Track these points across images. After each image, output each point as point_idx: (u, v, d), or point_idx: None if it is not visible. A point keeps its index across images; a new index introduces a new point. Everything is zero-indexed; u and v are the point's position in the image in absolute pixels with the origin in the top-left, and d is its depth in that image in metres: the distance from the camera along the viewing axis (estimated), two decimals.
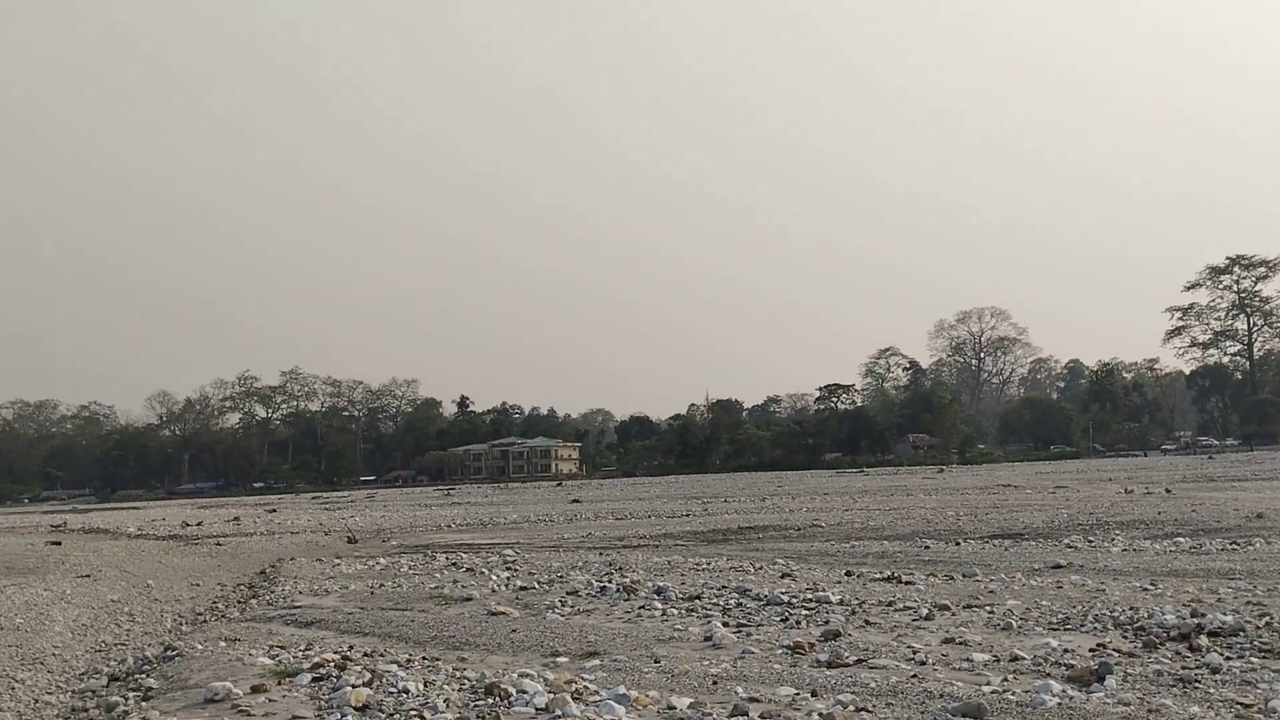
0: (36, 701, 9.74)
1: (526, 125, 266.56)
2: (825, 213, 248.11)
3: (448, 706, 7.78)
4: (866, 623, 11.31)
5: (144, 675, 10.24)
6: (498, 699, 8.00)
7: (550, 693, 8.06)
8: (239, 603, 16.77)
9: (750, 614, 12.29)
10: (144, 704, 8.65)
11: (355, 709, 7.79)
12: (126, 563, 26.08)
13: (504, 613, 12.96)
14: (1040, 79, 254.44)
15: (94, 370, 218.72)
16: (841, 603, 12.81)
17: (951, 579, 15.24)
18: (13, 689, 10.25)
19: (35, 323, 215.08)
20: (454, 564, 20.32)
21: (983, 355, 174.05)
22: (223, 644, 11.37)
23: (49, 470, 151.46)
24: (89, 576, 22.08)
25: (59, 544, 35.73)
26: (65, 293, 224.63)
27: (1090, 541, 20.74)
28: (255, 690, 8.52)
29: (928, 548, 20.62)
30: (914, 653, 9.43)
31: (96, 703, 9.36)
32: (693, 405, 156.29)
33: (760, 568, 17.75)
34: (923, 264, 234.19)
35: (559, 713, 7.51)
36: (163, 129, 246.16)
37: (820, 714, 7.33)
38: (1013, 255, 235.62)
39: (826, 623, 11.21)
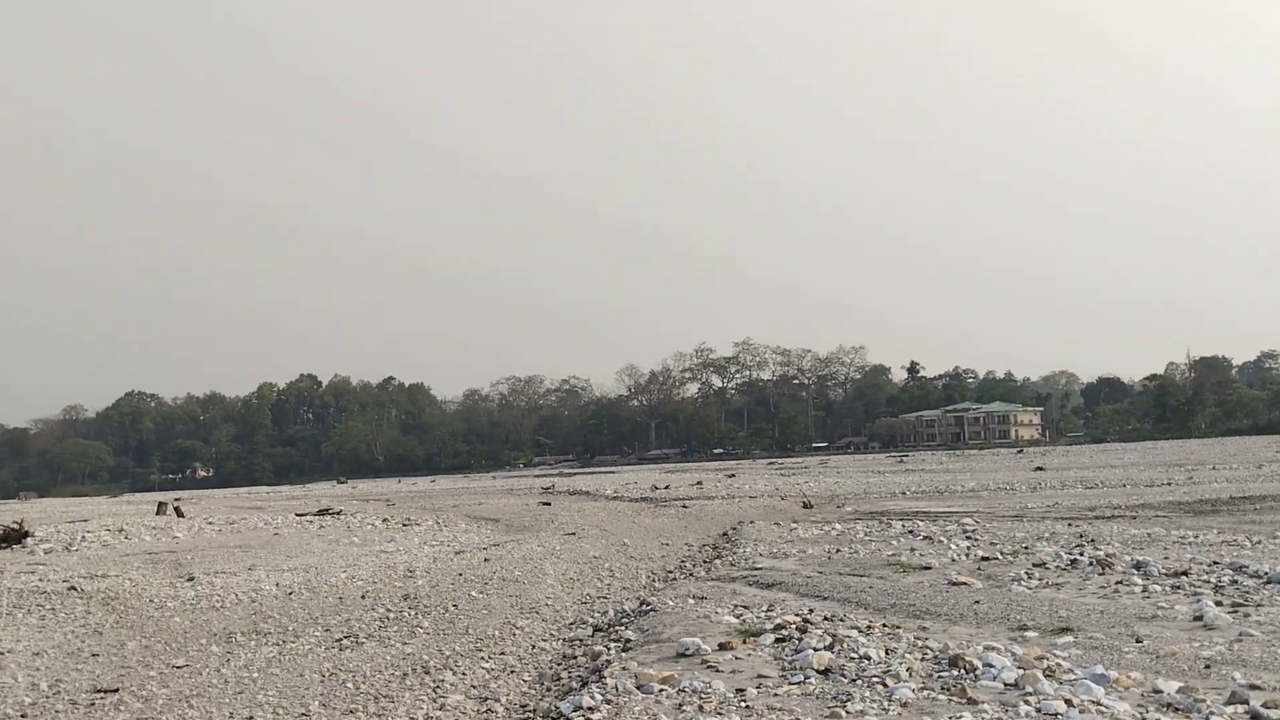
0: (534, 647, 10.77)
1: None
2: None
3: (910, 675, 7.63)
4: None
5: (623, 627, 11.02)
6: (963, 671, 7.73)
7: (1019, 668, 7.66)
8: (704, 562, 17.60)
9: (1248, 593, 10.97)
10: (623, 654, 9.29)
11: (818, 672, 7.87)
12: (605, 522, 28.29)
13: (965, 583, 12.55)
14: None
15: (568, 349, 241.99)
16: None
17: None
18: (514, 634, 11.42)
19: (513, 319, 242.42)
20: (910, 531, 20.02)
21: None
22: (691, 601, 11.97)
23: (538, 438, 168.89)
24: (574, 534, 24.19)
25: (548, 504, 39.60)
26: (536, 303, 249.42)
27: None
28: (722, 647, 8.87)
29: None
30: None
31: (583, 651, 10.19)
32: (1171, 364, 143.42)
33: (1259, 542, 15.83)
34: None
35: (1030, 689, 7.12)
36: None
37: None
38: None
39: None
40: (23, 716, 8.37)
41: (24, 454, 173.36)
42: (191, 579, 16.68)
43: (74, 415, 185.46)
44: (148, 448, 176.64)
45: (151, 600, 14.40)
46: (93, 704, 8.71)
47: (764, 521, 25.49)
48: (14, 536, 23.45)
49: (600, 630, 11.36)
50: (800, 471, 69.64)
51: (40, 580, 16.63)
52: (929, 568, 14.26)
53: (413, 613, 12.87)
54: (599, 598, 14.11)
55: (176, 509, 37.56)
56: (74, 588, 15.53)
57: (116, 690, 9.13)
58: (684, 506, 34.37)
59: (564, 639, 11.14)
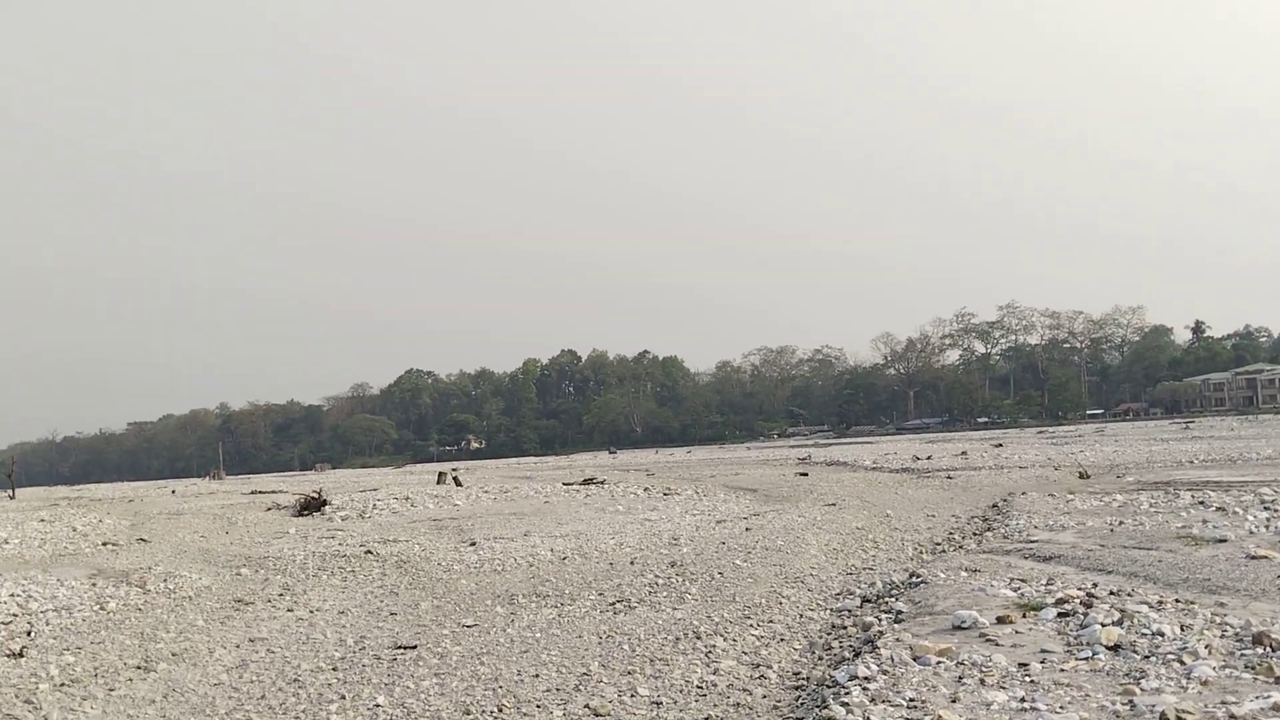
0: (801, 616, 10.79)
1: None
2: None
3: (1210, 653, 7.17)
4: None
5: (892, 599, 10.86)
6: (1269, 649, 7.18)
7: None
8: (974, 535, 17.07)
9: None
10: (895, 626, 9.17)
11: (1106, 648, 7.51)
12: (865, 493, 27.92)
13: (1266, 556, 11.61)
14: None
15: (825, 319, 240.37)
16: None
17: None
18: (780, 603, 11.48)
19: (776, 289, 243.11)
20: (1201, 502, 18.68)
21: None
22: (963, 574, 11.65)
23: (791, 408, 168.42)
24: (834, 505, 24.00)
25: (806, 475, 39.39)
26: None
27: None
28: (1000, 621, 8.60)
29: None
30: None
31: (853, 621, 10.13)
32: None
33: None
34: None
35: None
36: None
37: None
38: None
39: None
40: (334, 669, 9.15)
41: (319, 429, 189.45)
42: (473, 544, 17.70)
43: (361, 392, 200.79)
44: (426, 421, 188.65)
45: (439, 563, 15.41)
46: (394, 659, 9.43)
47: (1036, 493, 24.43)
48: (315, 505, 25.65)
49: (869, 601, 11.23)
50: (1074, 440, 66.19)
51: (340, 545, 18.12)
52: (1224, 540, 13.29)
53: (680, 579, 13.17)
54: (864, 569, 13.96)
55: (455, 479, 39.89)
56: (370, 551, 16.83)
57: (415, 647, 9.85)
58: (948, 477, 33.41)
59: (831, 609, 11.10)
